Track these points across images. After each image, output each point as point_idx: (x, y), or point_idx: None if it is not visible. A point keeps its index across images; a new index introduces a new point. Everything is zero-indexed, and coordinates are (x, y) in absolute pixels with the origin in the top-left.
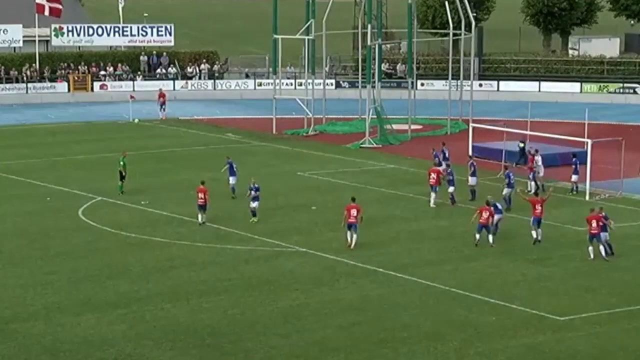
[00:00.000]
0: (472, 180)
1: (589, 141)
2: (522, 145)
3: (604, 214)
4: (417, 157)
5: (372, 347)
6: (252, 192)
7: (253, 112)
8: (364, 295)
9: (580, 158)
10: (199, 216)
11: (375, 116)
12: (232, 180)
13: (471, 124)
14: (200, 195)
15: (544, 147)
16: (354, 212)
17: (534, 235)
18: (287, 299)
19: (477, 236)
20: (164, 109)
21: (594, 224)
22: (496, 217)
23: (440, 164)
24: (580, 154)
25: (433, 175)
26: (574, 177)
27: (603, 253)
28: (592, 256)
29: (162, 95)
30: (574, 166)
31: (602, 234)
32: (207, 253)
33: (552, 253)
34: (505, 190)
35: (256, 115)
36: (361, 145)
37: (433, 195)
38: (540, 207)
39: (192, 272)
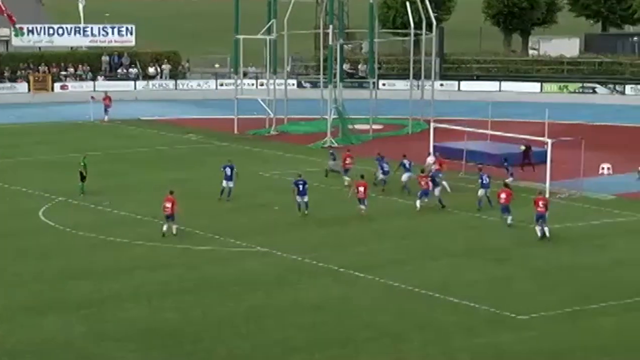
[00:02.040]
0: (405, 177)
1: (549, 141)
2: (523, 148)
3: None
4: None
5: (334, 346)
6: (300, 187)
7: (215, 112)
8: (326, 295)
9: (511, 160)
10: (165, 226)
11: (337, 116)
12: (225, 183)
13: (432, 124)
14: (167, 204)
15: (504, 147)
16: (361, 189)
17: (539, 233)
18: (249, 299)
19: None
20: (107, 112)
21: (541, 204)
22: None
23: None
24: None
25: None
26: (481, 192)
27: (547, 234)
28: (539, 235)
29: (106, 98)
30: (506, 170)
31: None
32: (168, 253)
33: (513, 252)
34: (480, 192)
35: (218, 116)
36: (323, 145)
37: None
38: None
39: (153, 273)
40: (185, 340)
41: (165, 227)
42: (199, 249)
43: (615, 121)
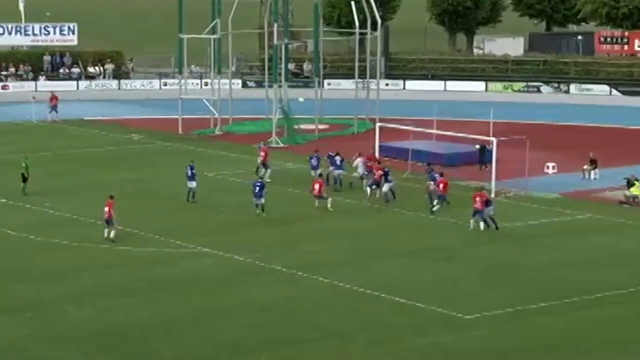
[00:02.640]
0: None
1: (494, 140)
2: (478, 147)
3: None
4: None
5: (281, 347)
6: (257, 189)
7: (159, 112)
8: (273, 296)
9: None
10: (105, 231)
11: (282, 116)
12: (189, 184)
13: (378, 123)
14: (106, 209)
15: (449, 147)
16: (317, 186)
17: (471, 226)
18: (195, 300)
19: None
20: (56, 112)
21: (478, 199)
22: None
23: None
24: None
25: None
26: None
27: (482, 227)
28: (471, 227)
29: (53, 98)
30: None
31: (486, 210)
32: (112, 255)
33: (460, 252)
34: (432, 185)
35: (162, 116)
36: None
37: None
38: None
39: (97, 274)
40: (131, 342)
41: (106, 232)
42: (143, 250)
43: (560, 120)
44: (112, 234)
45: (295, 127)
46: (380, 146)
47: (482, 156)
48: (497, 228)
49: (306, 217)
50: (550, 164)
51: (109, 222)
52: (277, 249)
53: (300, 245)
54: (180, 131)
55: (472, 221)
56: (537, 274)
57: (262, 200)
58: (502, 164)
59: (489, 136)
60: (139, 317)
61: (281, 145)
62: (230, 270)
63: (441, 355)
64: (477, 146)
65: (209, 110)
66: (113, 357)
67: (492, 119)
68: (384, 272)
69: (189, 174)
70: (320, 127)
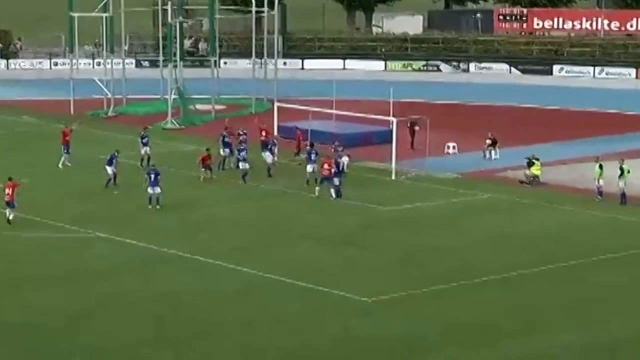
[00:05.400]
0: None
1: (394, 119)
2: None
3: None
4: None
5: (183, 338)
6: (152, 177)
7: (50, 93)
8: (175, 284)
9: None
10: (7, 212)
11: (177, 96)
12: (150, 190)
13: (276, 103)
14: (7, 190)
15: (348, 127)
16: (326, 166)
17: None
18: (94, 289)
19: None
20: None
21: (326, 166)
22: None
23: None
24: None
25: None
26: (309, 168)
27: (334, 195)
28: (317, 194)
29: None
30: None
31: (335, 178)
32: (5, 242)
33: (359, 235)
34: (309, 167)
35: (53, 97)
36: (164, 127)
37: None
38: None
39: None
40: (27, 336)
41: (7, 213)
42: (37, 236)
43: (461, 99)
44: (11, 216)
45: (191, 107)
46: (278, 126)
47: (412, 134)
48: (340, 197)
49: (204, 202)
50: (451, 144)
51: (9, 204)
52: (178, 235)
53: (201, 231)
54: (72, 112)
55: (317, 189)
56: (438, 255)
57: (158, 190)
58: (402, 144)
59: (389, 116)
60: (36, 309)
61: (177, 126)
62: (131, 257)
63: (346, 340)
64: (409, 124)
65: (101, 90)
66: (9, 352)
67: (391, 98)
68: (286, 257)
69: (152, 178)
70: (217, 107)
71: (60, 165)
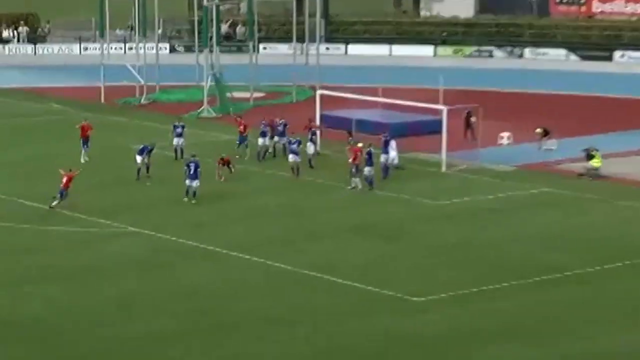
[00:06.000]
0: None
1: (444, 108)
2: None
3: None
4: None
5: (212, 335)
6: (191, 169)
7: (79, 79)
8: (203, 279)
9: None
10: (57, 197)
11: (213, 83)
12: (188, 182)
13: (318, 91)
14: (64, 179)
15: (396, 116)
16: (354, 154)
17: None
18: (117, 285)
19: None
20: None
21: (353, 155)
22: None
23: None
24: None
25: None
26: (384, 157)
27: (360, 186)
28: (353, 186)
29: None
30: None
31: (367, 168)
32: (29, 236)
33: (405, 229)
34: (367, 170)
35: (83, 84)
36: (199, 115)
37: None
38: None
39: (12, 257)
40: (48, 332)
41: (55, 201)
42: (62, 230)
43: (515, 87)
44: (54, 202)
45: (228, 95)
46: (321, 116)
47: (468, 124)
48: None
49: (240, 194)
50: (505, 134)
51: (62, 193)
52: (209, 228)
53: (235, 224)
54: (102, 100)
55: (354, 180)
56: (492, 252)
57: (196, 184)
58: (453, 134)
59: (439, 104)
60: (57, 305)
61: (213, 115)
62: (158, 251)
63: (392, 340)
64: (465, 113)
65: (133, 77)
66: (28, 348)
67: (441, 86)
68: (326, 252)
69: (192, 170)
70: (256, 95)
71: (82, 160)
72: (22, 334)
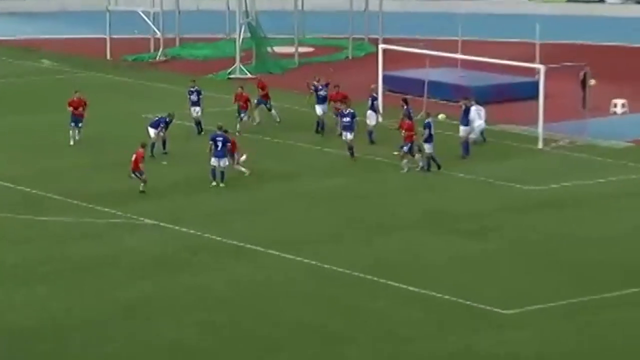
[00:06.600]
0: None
1: (542, 67)
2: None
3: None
4: (306, 90)
5: (248, 354)
6: (218, 145)
7: (80, 29)
8: (233, 282)
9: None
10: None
11: (249, 35)
12: (214, 161)
13: (380, 45)
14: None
15: (479, 77)
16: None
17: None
18: (128, 288)
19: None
20: None
21: (405, 131)
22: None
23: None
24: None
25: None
26: (463, 130)
27: (420, 165)
28: (405, 169)
29: None
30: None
31: (426, 144)
32: (20, 226)
33: (491, 221)
34: (427, 147)
35: (84, 35)
36: (230, 76)
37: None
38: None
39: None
40: (43, 343)
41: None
42: (61, 221)
43: (631, 41)
44: (141, 186)
45: (268, 50)
46: (384, 76)
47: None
48: (438, 167)
49: (277, 176)
50: (619, 102)
51: (135, 173)
52: (240, 218)
53: (271, 213)
54: (108, 56)
55: (405, 162)
56: (600, 252)
57: (224, 163)
58: (553, 100)
59: (534, 62)
60: (55, 311)
61: (249, 75)
62: (177, 247)
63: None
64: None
65: (148, 27)
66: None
67: (538, 40)
68: (388, 250)
69: (220, 146)
70: (302, 50)
71: (71, 142)
72: (11, 345)
